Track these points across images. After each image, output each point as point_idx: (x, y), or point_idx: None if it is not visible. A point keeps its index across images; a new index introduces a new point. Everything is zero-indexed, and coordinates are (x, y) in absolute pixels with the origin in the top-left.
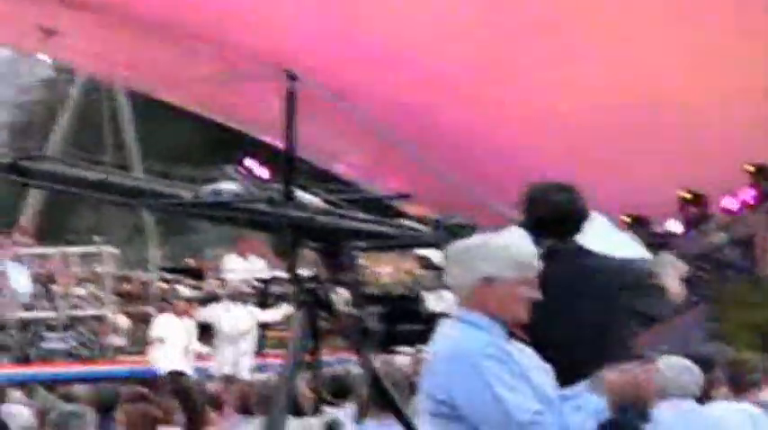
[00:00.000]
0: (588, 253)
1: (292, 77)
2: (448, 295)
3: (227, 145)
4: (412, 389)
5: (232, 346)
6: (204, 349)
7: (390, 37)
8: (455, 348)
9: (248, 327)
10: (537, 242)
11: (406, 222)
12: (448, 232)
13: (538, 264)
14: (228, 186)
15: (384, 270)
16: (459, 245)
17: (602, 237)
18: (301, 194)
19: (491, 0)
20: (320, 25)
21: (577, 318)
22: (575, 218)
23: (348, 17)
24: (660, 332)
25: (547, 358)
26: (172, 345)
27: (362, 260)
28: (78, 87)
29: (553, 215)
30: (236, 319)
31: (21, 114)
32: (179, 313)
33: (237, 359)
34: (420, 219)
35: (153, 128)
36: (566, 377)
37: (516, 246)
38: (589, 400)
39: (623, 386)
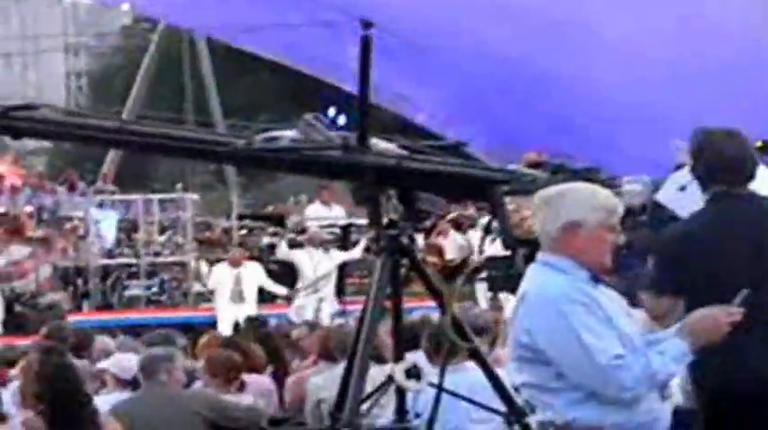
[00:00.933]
0: (760, 196)
1: (367, 25)
2: None
3: (308, 94)
4: (492, 334)
5: (312, 292)
6: (280, 290)
7: None
8: (539, 292)
9: (329, 273)
10: (706, 188)
11: (514, 167)
12: (573, 176)
13: (621, 211)
14: (286, 133)
15: (526, 213)
16: (546, 191)
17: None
18: (376, 141)
19: None
20: None
21: (760, 261)
22: (744, 165)
23: None
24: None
25: (727, 301)
26: (222, 295)
27: (509, 204)
28: (159, 35)
29: (723, 162)
30: (317, 265)
31: (101, 61)
32: (234, 262)
33: (318, 305)
34: (537, 164)
35: (233, 76)
36: (748, 318)
37: (601, 192)
38: (672, 345)
39: (706, 330)
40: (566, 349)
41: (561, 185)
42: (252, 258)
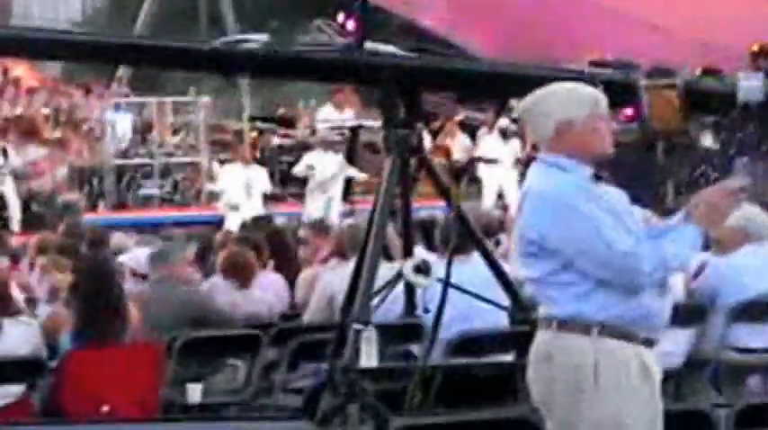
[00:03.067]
0: None
1: None
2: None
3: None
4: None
5: (321, 192)
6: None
7: None
8: (546, 190)
9: (337, 174)
10: None
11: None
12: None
13: (604, 100)
14: (254, 37)
15: None
16: (528, 99)
17: None
18: (373, 44)
19: None
20: None
21: None
22: None
23: None
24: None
25: None
26: (235, 192)
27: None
28: None
29: None
30: (326, 166)
31: None
32: (243, 159)
33: (327, 205)
34: (603, 65)
35: None
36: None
37: (578, 86)
38: (683, 232)
39: (711, 212)
40: (582, 241)
41: (540, 90)
42: (262, 159)
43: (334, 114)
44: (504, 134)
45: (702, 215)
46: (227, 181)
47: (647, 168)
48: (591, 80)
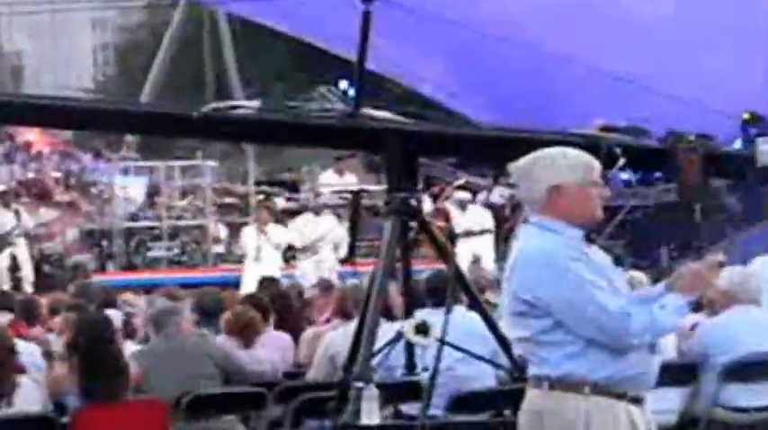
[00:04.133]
0: None
1: None
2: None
3: (324, 66)
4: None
5: (312, 254)
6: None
7: None
8: (537, 252)
9: (337, 237)
10: None
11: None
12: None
13: (598, 165)
14: (250, 103)
15: None
16: (521, 162)
17: None
18: (370, 111)
19: None
20: None
21: None
22: None
23: None
24: (725, 246)
25: None
26: (249, 256)
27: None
28: (180, 11)
29: None
30: (315, 229)
31: (125, 36)
32: (262, 222)
33: (316, 266)
34: (610, 130)
35: (252, 49)
36: None
37: (572, 152)
38: (671, 299)
39: (693, 284)
40: (573, 301)
41: (533, 154)
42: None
43: (335, 179)
44: (462, 206)
45: (685, 285)
46: (245, 245)
47: (686, 228)
48: (608, 146)
